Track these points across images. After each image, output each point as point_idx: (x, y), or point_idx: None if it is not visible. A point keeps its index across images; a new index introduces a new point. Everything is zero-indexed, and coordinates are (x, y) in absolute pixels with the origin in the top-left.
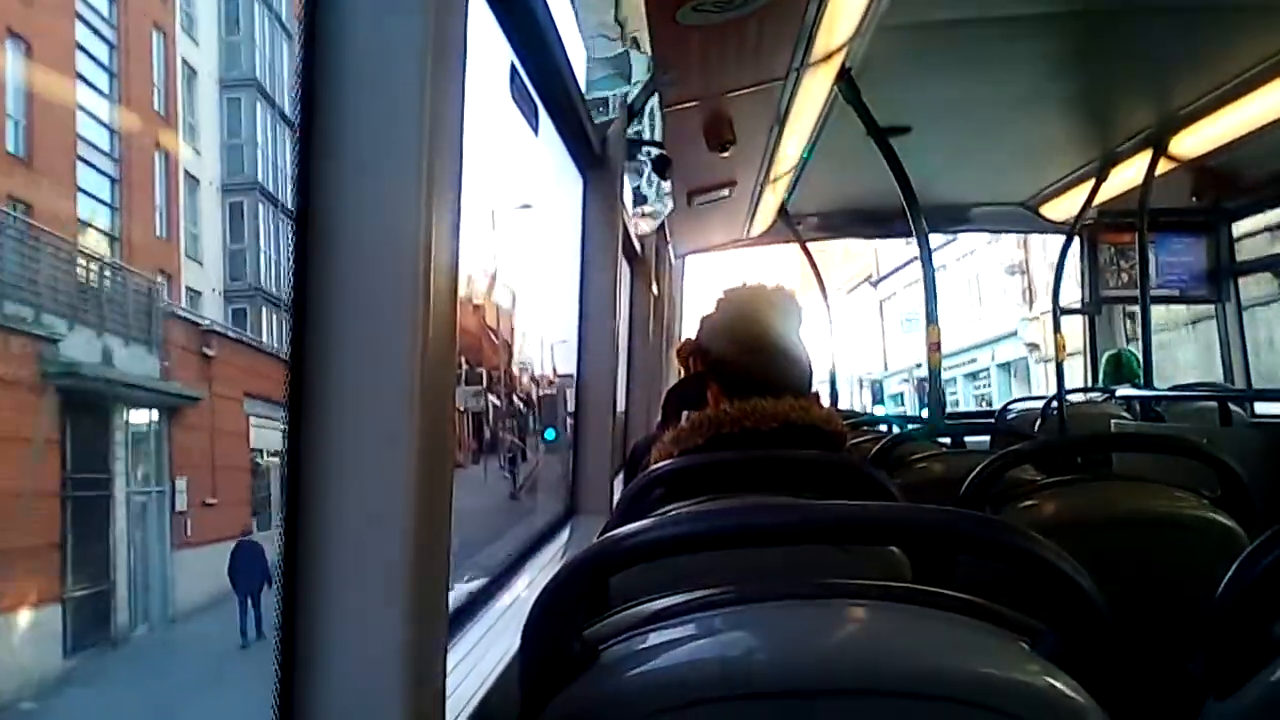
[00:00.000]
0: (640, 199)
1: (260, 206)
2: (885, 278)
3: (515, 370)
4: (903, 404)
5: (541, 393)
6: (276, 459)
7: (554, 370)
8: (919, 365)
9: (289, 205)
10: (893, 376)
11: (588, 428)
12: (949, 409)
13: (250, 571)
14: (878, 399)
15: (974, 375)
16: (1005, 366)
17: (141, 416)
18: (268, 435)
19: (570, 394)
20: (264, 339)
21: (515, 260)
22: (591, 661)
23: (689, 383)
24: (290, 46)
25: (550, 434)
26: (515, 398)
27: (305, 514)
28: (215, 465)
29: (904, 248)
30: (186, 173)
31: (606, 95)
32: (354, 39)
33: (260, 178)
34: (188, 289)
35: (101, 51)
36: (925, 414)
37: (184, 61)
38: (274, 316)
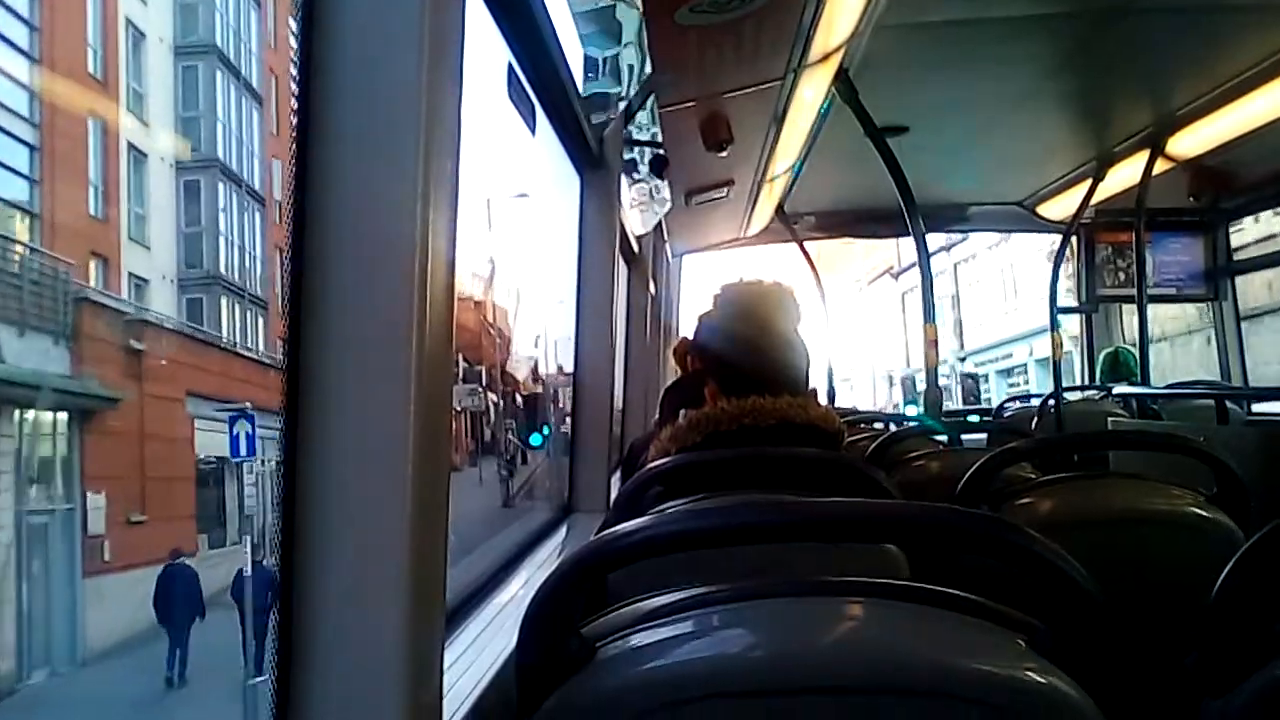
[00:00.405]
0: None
1: (221, 186)
2: (907, 269)
3: (502, 368)
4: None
5: (528, 391)
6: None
7: (544, 367)
8: (964, 359)
9: (255, 186)
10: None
11: (585, 426)
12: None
13: (179, 601)
14: (909, 397)
15: (1008, 371)
16: (1045, 362)
17: (43, 420)
18: (218, 441)
19: (562, 392)
20: (223, 332)
21: (502, 256)
22: (589, 659)
23: (687, 381)
24: (258, 14)
25: (536, 439)
26: (499, 396)
27: (302, 512)
28: (146, 476)
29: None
30: (131, 146)
31: (604, 95)
32: (351, 40)
33: (221, 154)
34: (131, 275)
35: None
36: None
37: (129, 22)
38: (236, 307)
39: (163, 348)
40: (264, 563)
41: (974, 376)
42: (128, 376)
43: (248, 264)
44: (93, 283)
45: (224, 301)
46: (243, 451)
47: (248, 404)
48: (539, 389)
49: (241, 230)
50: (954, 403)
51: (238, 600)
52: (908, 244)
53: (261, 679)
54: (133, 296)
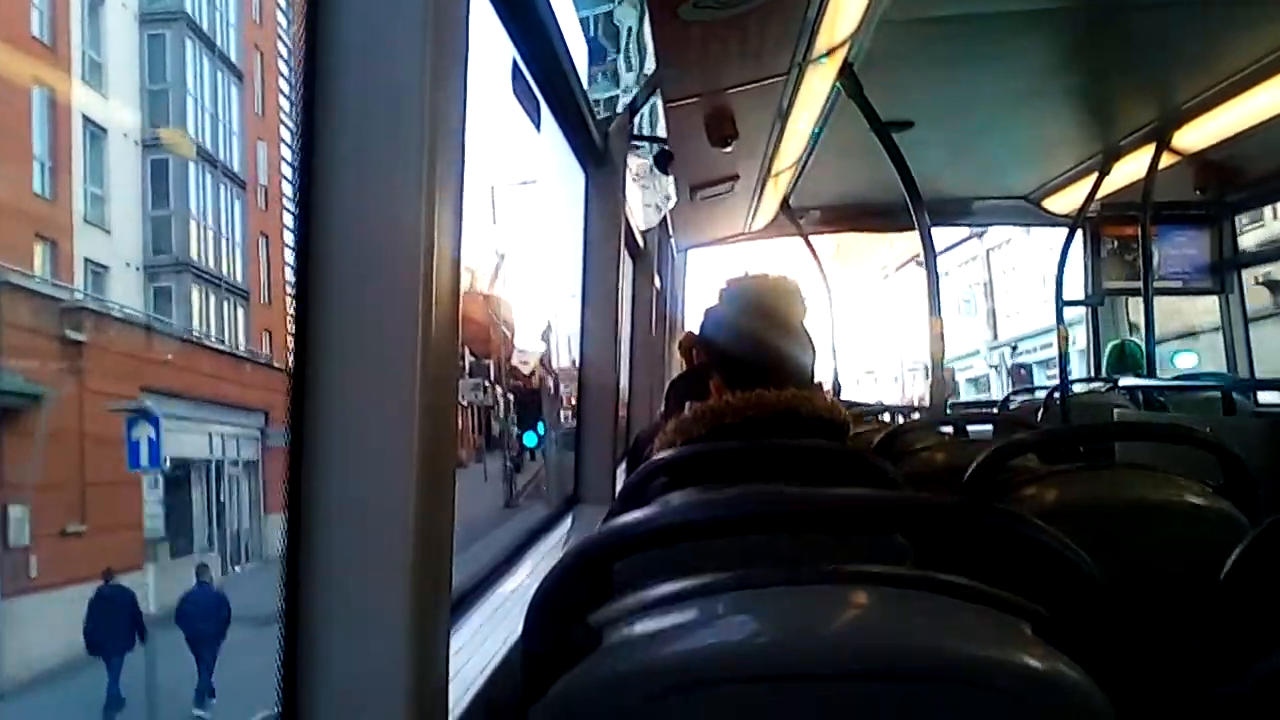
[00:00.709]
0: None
1: (192, 165)
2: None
3: (506, 361)
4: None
5: (527, 386)
6: (213, 466)
7: (548, 361)
8: (1014, 347)
9: (233, 167)
10: (966, 360)
11: (591, 418)
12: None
13: (112, 624)
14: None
15: (1046, 363)
16: (1084, 354)
17: None
18: (187, 440)
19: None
20: (194, 322)
21: (507, 248)
22: (595, 645)
23: (692, 374)
24: None
25: (530, 438)
26: (505, 389)
27: (308, 503)
28: (87, 481)
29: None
30: (86, 119)
31: (608, 91)
32: (355, 37)
33: (193, 131)
34: (87, 261)
35: None
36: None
37: None
38: (210, 296)
39: (110, 339)
40: (213, 582)
41: (1025, 366)
42: (62, 371)
43: (225, 250)
44: (39, 268)
45: (196, 290)
46: (144, 460)
47: (148, 402)
48: (537, 384)
49: (217, 214)
50: (1004, 391)
51: (182, 625)
52: (937, 230)
53: (203, 714)
54: (88, 284)
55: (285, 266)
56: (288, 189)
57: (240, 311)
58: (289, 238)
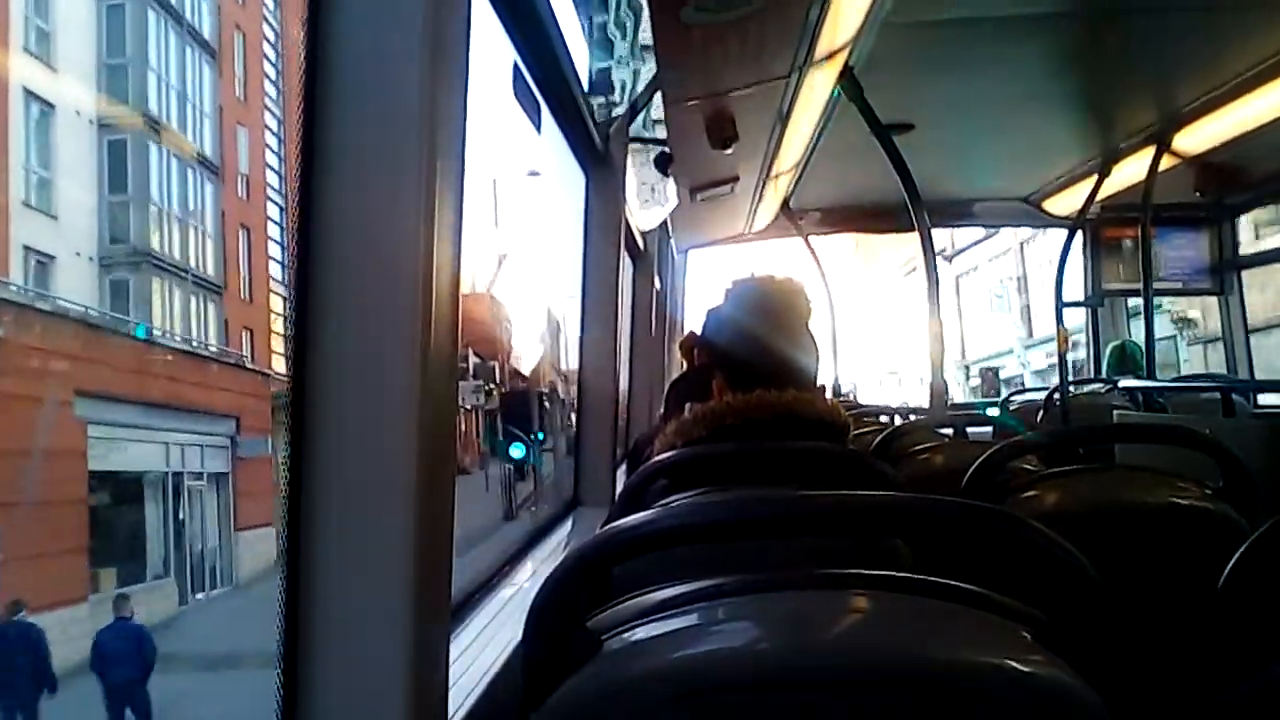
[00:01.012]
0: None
1: (154, 147)
2: (963, 251)
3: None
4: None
5: (509, 388)
6: (171, 480)
7: (546, 364)
8: (1046, 349)
9: (204, 151)
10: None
11: (590, 420)
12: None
13: (15, 672)
14: (988, 393)
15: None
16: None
17: None
18: (137, 451)
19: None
20: (156, 318)
21: (503, 245)
22: (595, 651)
23: (693, 375)
24: None
25: (518, 449)
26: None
27: (309, 508)
28: None
29: None
30: (28, 93)
31: (609, 93)
32: (355, 41)
33: (156, 111)
34: (28, 250)
35: None
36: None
37: None
38: (174, 290)
39: (36, 336)
40: (133, 617)
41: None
42: None
43: (195, 242)
44: None
45: (158, 284)
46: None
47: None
48: (519, 385)
49: (185, 202)
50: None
51: (97, 671)
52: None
53: None
54: (29, 275)
55: (270, 262)
56: (273, 179)
57: (211, 308)
58: (274, 230)
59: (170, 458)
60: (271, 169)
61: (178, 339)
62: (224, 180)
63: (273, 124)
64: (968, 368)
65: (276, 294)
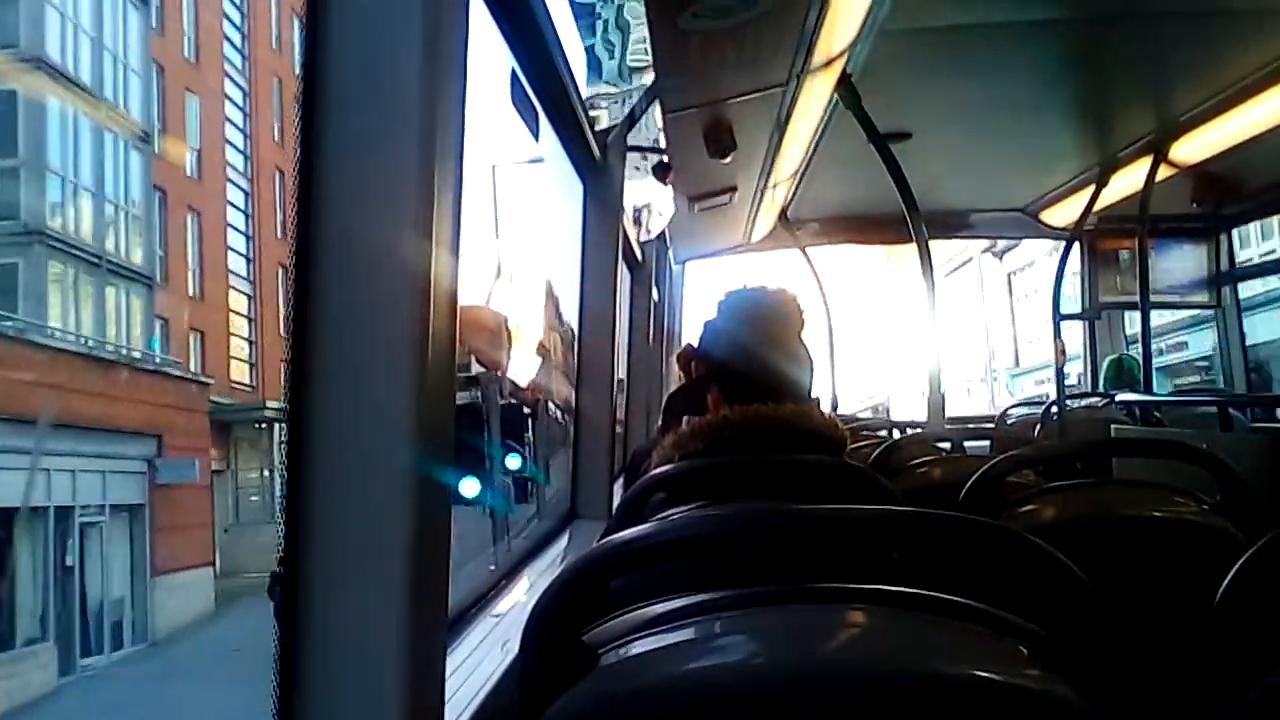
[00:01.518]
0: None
1: (54, 101)
2: (1014, 245)
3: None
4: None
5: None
6: (55, 517)
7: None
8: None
9: (135, 120)
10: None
11: (587, 432)
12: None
13: None
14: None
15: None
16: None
17: None
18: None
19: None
20: (48, 309)
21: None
22: (591, 665)
23: (690, 388)
24: None
25: (514, 459)
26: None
27: (306, 520)
28: None
29: None
30: None
31: (606, 101)
32: (355, 47)
33: (53, 51)
34: None
35: None
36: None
37: None
38: (76, 276)
39: None
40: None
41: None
42: None
43: (109, 218)
44: None
45: (53, 266)
46: None
47: None
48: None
49: (100, 171)
50: None
51: None
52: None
53: None
54: None
55: (231, 254)
56: (237, 160)
57: (137, 303)
58: (238, 219)
59: (54, 488)
60: (234, 147)
61: (71, 339)
62: (163, 153)
63: (237, 96)
64: (1018, 376)
65: (239, 291)
